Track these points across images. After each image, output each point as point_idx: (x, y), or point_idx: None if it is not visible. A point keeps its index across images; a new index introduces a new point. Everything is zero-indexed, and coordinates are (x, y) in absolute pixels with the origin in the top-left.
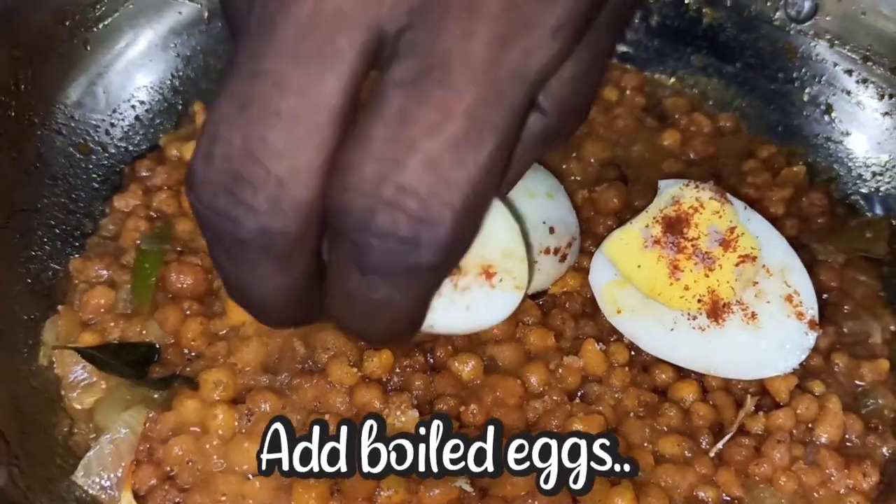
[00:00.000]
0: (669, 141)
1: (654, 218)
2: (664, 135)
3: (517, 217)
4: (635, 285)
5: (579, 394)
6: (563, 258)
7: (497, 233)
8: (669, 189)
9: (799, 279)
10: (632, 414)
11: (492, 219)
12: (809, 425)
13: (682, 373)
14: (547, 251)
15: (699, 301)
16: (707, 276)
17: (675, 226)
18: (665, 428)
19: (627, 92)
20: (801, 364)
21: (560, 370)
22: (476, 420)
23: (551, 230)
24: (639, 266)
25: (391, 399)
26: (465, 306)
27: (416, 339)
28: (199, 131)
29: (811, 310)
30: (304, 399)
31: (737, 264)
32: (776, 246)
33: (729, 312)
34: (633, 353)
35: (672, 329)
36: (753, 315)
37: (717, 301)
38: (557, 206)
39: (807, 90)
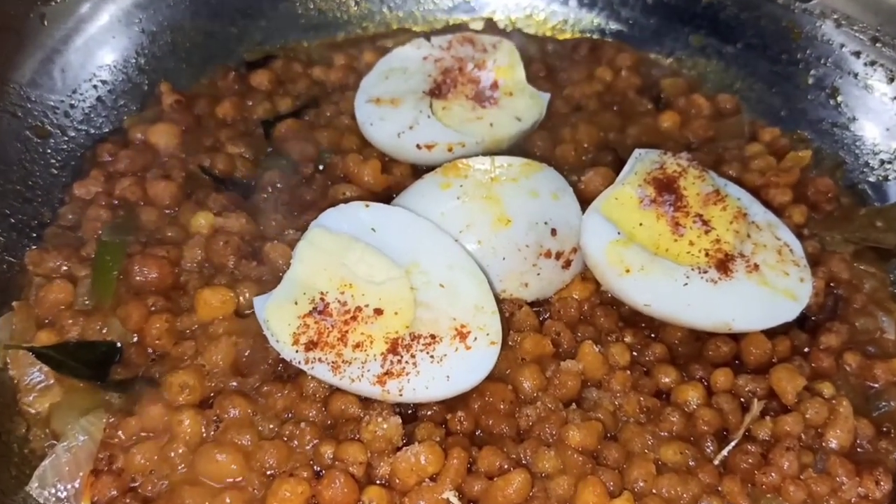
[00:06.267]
0: (668, 123)
1: (643, 179)
2: (662, 117)
3: (483, 270)
4: (640, 243)
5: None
6: (567, 264)
7: (466, 289)
8: (649, 156)
9: (784, 233)
10: (632, 420)
11: (460, 275)
12: (819, 430)
13: (685, 374)
14: (548, 254)
15: (707, 255)
16: (707, 233)
17: (667, 187)
18: (667, 434)
19: (622, 72)
20: (811, 365)
21: (558, 376)
22: (464, 428)
23: (553, 232)
24: (640, 224)
25: (371, 406)
26: (445, 376)
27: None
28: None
29: (802, 259)
30: (276, 406)
31: (731, 221)
32: (755, 207)
33: (734, 264)
34: (634, 354)
35: (686, 284)
36: (756, 266)
37: (723, 253)
38: (563, 208)
39: (812, 73)
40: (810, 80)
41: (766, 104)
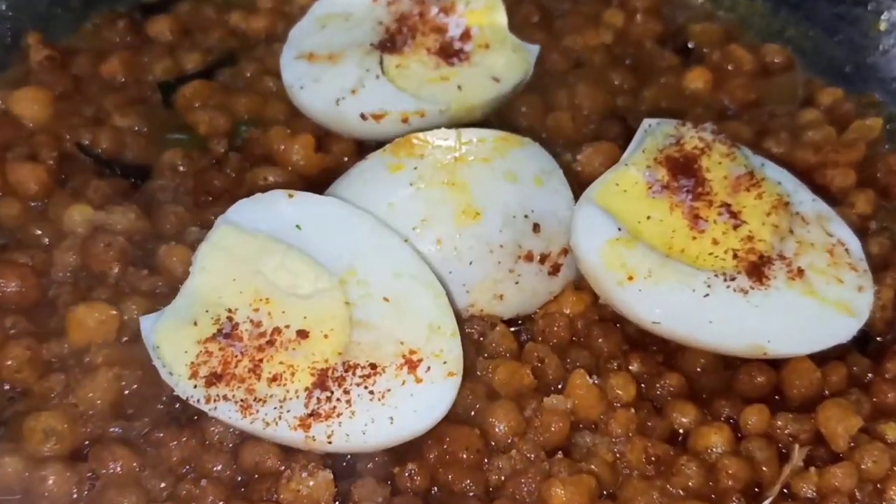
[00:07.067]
0: (697, 83)
1: (653, 159)
2: (689, 75)
3: (441, 279)
4: (647, 242)
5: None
6: (555, 270)
7: (418, 304)
8: (662, 127)
9: (838, 228)
10: (636, 473)
11: (411, 286)
12: (878, 485)
13: (708, 412)
14: (529, 257)
15: (735, 257)
16: (736, 228)
17: (684, 168)
18: (681, 491)
19: (638, 16)
20: (872, 401)
21: (539, 416)
22: (416, 485)
23: (536, 227)
24: (648, 217)
25: (294, 457)
26: (388, 418)
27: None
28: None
29: (861, 261)
30: (170, 458)
31: (768, 213)
32: (802, 193)
33: (770, 269)
34: (641, 386)
35: (707, 295)
36: (800, 271)
37: (756, 255)
38: (549, 195)
39: (883, 16)
40: (882, 26)
41: (825, 57)
